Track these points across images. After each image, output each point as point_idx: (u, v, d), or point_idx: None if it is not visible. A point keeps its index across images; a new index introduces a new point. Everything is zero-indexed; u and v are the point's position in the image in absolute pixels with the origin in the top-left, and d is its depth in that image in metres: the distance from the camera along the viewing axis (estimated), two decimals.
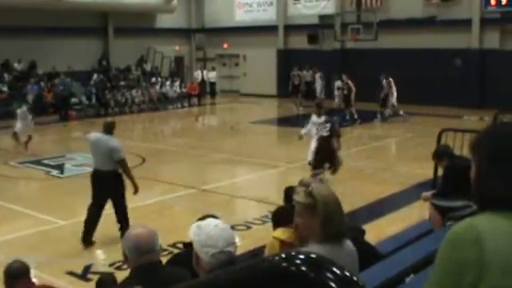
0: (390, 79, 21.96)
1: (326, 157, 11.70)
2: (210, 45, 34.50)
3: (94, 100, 26.35)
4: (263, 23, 32.05)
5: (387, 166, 14.44)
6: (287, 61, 31.01)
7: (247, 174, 14.40)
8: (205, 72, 32.44)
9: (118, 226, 8.90)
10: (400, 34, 26.63)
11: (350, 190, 11.98)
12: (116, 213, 8.91)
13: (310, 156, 12.17)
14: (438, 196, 6.31)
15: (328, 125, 11.71)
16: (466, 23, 25.07)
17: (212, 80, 32.47)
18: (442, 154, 6.94)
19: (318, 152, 11.73)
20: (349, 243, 3.06)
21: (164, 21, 32.87)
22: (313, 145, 12.07)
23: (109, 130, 8.82)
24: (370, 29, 25.45)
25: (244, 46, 32.90)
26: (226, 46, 34.28)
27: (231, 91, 34.10)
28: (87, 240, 8.83)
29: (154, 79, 29.77)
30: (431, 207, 6.45)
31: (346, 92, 21.92)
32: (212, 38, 34.24)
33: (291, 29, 31.34)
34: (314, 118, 12.05)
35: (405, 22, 26.52)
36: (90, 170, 13.96)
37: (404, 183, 12.29)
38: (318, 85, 27.13)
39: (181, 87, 30.27)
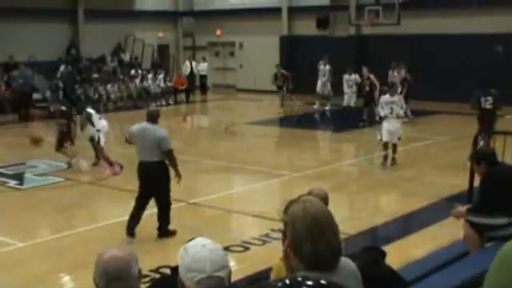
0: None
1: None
2: (201, 31, 34.49)
3: (60, 96, 26.27)
4: (263, 5, 32.02)
5: (413, 175, 14.37)
6: (292, 49, 30.98)
7: (244, 184, 14.34)
8: (194, 63, 32.41)
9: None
10: (427, 17, 26.57)
11: (369, 203, 11.94)
12: (159, 208, 9.84)
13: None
14: (474, 211, 6.25)
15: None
16: (509, 3, 24.98)
17: (202, 73, 32.44)
18: (480, 157, 6.83)
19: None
20: (346, 263, 3.02)
21: (145, 2, 32.87)
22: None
23: (154, 118, 9.76)
24: (392, 11, 25.42)
25: (241, 32, 32.88)
26: (219, 32, 34.26)
27: (225, 86, 34.07)
28: (131, 232, 9.63)
29: (133, 72, 29.72)
30: (467, 225, 6.39)
31: (367, 88, 21.77)
32: (202, 23, 34.24)
33: (297, 11, 31.33)
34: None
35: (433, 1, 26.48)
36: (54, 179, 14.11)
37: (434, 196, 12.22)
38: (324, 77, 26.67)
39: (165, 81, 30.23)
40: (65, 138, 15.21)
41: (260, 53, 32.03)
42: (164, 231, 9.93)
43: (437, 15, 26.40)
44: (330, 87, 25.86)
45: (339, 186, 13.24)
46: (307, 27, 30.53)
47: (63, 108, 15.77)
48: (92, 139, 15.06)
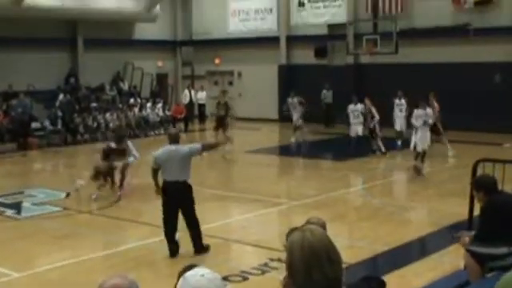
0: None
1: None
2: (199, 60, 34.63)
3: (59, 125, 26.31)
4: (262, 34, 32.25)
5: (413, 204, 14.34)
6: (291, 78, 31.10)
7: (243, 213, 14.28)
8: (193, 92, 32.51)
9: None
10: (425, 45, 26.76)
11: (369, 232, 11.88)
12: (189, 227, 10.38)
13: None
14: (475, 241, 6.21)
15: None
16: (506, 32, 25.16)
17: (201, 101, 32.53)
18: (479, 185, 6.81)
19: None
20: None
21: (144, 31, 33.04)
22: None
23: (176, 140, 10.58)
24: (389, 40, 25.58)
25: (239, 61, 33.04)
26: (217, 61, 34.43)
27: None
28: (173, 249, 10.31)
29: (132, 100, 29.79)
30: (467, 254, 6.35)
31: (367, 120, 21.60)
32: (201, 52, 34.40)
33: (295, 40, 31.53)
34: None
35: (431, 31, 26.66)
36: (52, 209, 14.06)
37: (434, 224, 12.19)
38: (297, 111, 25.34)
39: (164, 110, 30.29)
40: (104, 173, 15.43)
41: (259, 82, 32.15)
42: (199, 246, 10.36)
43: (434, 44, 26.58)
44: (301, 119, 25.03)
45: (338, 215, 13.20)
46: (305, 56, 30.70)
47: (113, 146, 16.02)
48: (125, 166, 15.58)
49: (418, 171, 17.14)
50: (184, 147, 10.55)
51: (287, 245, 2.95)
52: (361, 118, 21.71)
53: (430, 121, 17.85)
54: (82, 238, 12.03)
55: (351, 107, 21.78)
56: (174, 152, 10.32)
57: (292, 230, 3.09)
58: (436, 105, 20.16)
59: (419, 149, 17.29)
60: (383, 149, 20.93)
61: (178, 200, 10.32)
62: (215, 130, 23.77)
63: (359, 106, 21.91)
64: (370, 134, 21.40)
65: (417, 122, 17.55)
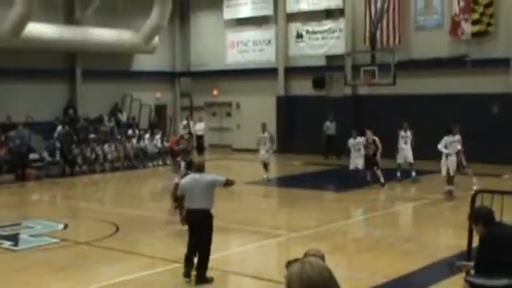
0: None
1: None
2: (198, 91, 34.76)
3: (57, 156, 26.33)
4: (260, 65, 32.43)
5: (412, 235, 14.30)
6: (289, 109, 31.21)
7: (241, 244, 14.23)
8: (191, 123, 32.58)
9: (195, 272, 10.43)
10: (423, 77, 26.92)
11: (366, 264, 11.85)
12: (200, 253, 10.57)
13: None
14: (475, 272, 6.21)
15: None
16: (503, 63, 25.36)
17: (199, 133, 32.57)
18: (477, 217, 6.83)
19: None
20: None
21: (143, 63, 33.23)
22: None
23: (201, 169, 10.94)
24: (387, 71, 25.71)
25: (237, 92, 33.19)
26: (215, 92, 34.57)
27: (222, 146, 34.17)
28: (188, 275, 10.54)
29: (130, 132, 29.84)
30: (466, 286, 6.35)
31: (370, 152, 21.53)
32: (199, 84, 34.54)
33: (293, 72, 31.70)
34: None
35: (428, 62, 26.85)
36: (50, 240, 14.01)
37: (432, 256, 12.14)
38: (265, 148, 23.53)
39: (162, 141, 30.32)
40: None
41: (257, 113, 32.18)
42: (202, 276, 10.49)
43: (432, 75, 26.75)
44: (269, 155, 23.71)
45: (337, 246, 13.18)
46: (304, 87, 30.83)
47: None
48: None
49: (451, 194, 18.34)
50: (208, 176, 10.86)
51: (287, 277, 2.97)
52: (362, 152, 21.69)
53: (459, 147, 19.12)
54: (79, 269, 11.98)
55: (351, 141, 21.79)
56: (198, 180, 10.65)
57: (290, 262, 3.09)
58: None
59: (452, 173, 18.64)
60: (383, 180, 20.92)
61: (198, 227, 10.62)
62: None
63: (359, 140, 21.91)
64: (369, 165, 21.37)
65: (451, 147, 18.74)
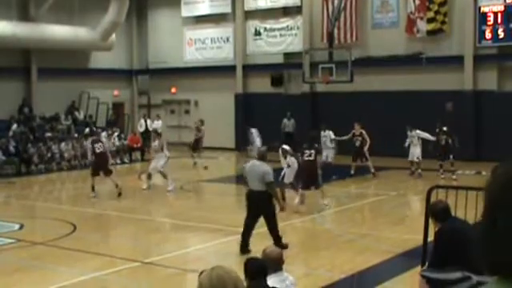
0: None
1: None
2: (156, 89, 34.60)
3: (13, 155, 25.92)
4: (218, 63, 32.41)
5: (368, 231, 14.44)
6: (247, 107, 31.24)
7: (201, 242, 14.20)
8: (149, 121, 32.40)
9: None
10: (379, 74, 27.21)
11: (324, 260, 11.94)
12: (269, 230, 12.02)
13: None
14: (429, 267, 6.31)
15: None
16: (457, 61, 25.79)
17: (158, 131, 32.36)
18: (432, 213, 6.96)
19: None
20: None
21: (100, 60, 32.92)
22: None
23: (263, 157, 12.51)
24: (345, 68, 25.92)
25: (196, 90, 33.11)
26: (174, 90, 34.43)
27: (180, 144, 34.03)
28: (245, 249, 11.86)
29: (87, 130, 29.52)
30: (422, 280, 6.45)
31: (358, 144, 22.02)
32: (157, 81, 34.39)
33: (251, 69, 31.74)
34: None
35: (385, 60, 27.15)
36: (4, 241, 13.80)
37: (388, 251, 12.28)
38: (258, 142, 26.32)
39: (120, 139, 30.08)
40: None
41: (215, 110, 32.20)
42: (278, 244, 10.68)
43: (388, 72, 27.05)
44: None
45: (296, 243, 13.22)
46: (262, 85, 30.90)
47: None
48: None
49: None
50: (264, 167, 12.15)
51: (198, 280, 3.32)
52: (329, 144, 22.14)
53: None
54: (36, 270, 11.80)
55: (322, 133, 22.18)
56: (257, 166, 12.20)
57: (202, 272, 3.42)
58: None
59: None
60: (373, 170, 21.94)
61: (255, 205, 12.01)
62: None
63: (327, 133, 22.30)
64: (356, 158, 21.80)
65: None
